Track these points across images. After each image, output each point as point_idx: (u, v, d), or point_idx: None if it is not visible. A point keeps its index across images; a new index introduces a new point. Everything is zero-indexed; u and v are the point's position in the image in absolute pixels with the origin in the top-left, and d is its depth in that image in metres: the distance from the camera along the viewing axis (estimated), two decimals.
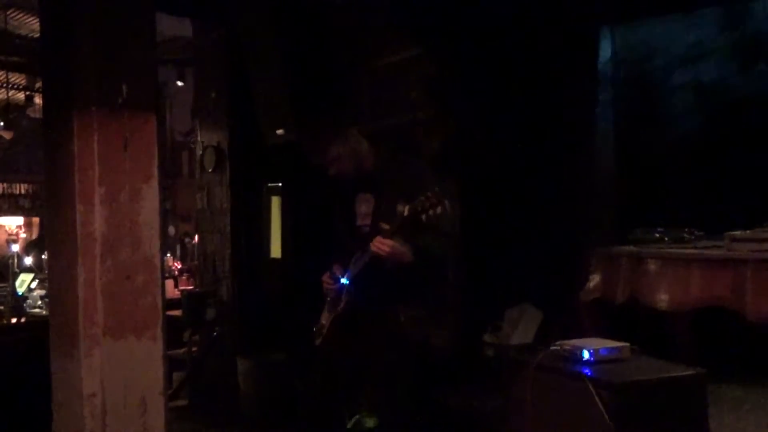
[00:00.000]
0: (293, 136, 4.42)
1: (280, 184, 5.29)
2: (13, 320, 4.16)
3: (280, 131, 4.69)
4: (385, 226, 2.74)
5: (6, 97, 9.09)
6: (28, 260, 5.81)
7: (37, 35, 6.76)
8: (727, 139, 4.22)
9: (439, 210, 2.60)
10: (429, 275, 3.06)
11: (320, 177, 3.09)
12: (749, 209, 3.61)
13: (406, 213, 2.66)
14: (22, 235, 11.47)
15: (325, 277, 3.09)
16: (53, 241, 2.77)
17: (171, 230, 10.20)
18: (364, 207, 3.03)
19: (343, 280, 2.99)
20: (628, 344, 2.53)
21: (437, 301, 3.45)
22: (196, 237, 6.27)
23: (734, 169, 4.15)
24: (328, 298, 3.13)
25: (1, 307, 4.16)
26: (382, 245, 2.73)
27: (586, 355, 2.45)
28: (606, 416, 2.23)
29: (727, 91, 4.37)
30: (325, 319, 3.10)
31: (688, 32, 4.53)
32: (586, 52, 4.53)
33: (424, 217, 2.62)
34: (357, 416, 3.75)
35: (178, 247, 9.35)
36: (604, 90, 4.65)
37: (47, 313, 4.15)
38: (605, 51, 4.72)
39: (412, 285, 2.92)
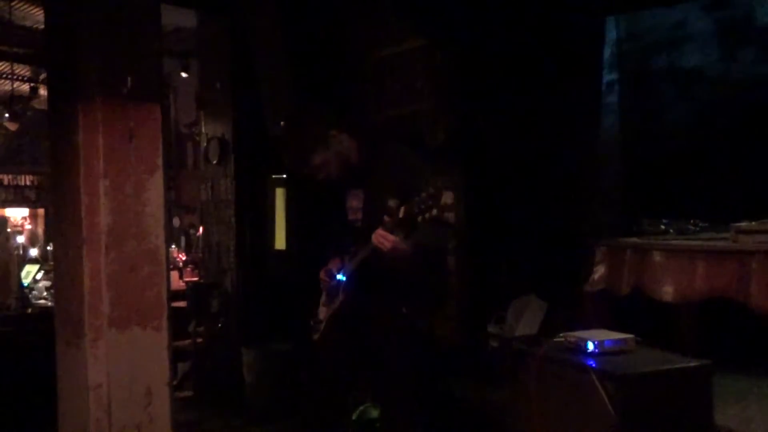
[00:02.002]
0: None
1: (285, 176, 5.29)
2: (19, 311, 4.18)
3: (284, 122, 4.68)
4: (387, 219, 2.67)
5: (11, 88, 9.09)
6: (34, 251, 5.85)
7: (42, 26, 6.76)
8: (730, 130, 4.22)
9: (435, 212, 2.55)
10: (430, 267, 3.04)
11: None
12: (755, 200, 3.60)
13: (401, 214, 2.61)
14: (27, 227, 11.51)
15: (322, 274, 3.07)
16: (59, 233, 2.77)
17: (175, 221, 10.21)
18: (355, 202, 2.99)
19: (339, 277, 2.94)
20: (632, 336, 2.54)
21: (439, 293, 3.44)
22: (201, 228, 6.28)
23: (739, 159, 4.14)
24: (325, 294, 3.10)
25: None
26: (385, 240, 2.66)
27: (590, 346, 2.45)
28: (610, 408, 2.24)
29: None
30: (322, 314, 3.07)
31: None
32: (592, 43, 4.51)
33: (420, 219, 2.57)
34: (361, 407, 3.76)
35: (182, 239, 9.38)
36: (609, 80, 4.64)
37: (53, 304, 4.18)
38: (610, 41, 4.70)
39: (412, 278, 2.89)
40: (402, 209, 2.60)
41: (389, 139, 3.45)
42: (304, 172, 2.96)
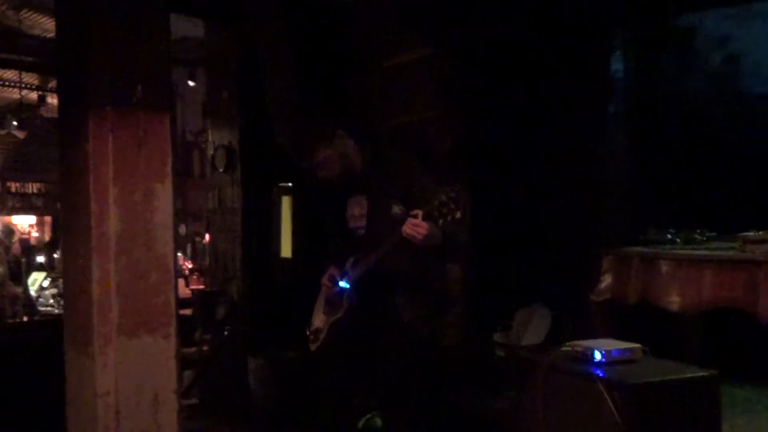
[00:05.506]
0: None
1: (291, 184, 5.30)
2: (26, 318, 4.20)
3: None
4: (417, 211, 2.64)
5: (19, 96, 9.15)
6: (40, 258, 5.87)
7: (50, 35, 6.80)
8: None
9: (458, 215, 2.56)
10: (439, 269, 3.04)
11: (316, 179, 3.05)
12: (763, 209, 3.60)
13: (420, 217, 2.62)
14: (35, 234, 11.54)
15: (325, 280, 3.05)
16: (68, 240, 2.79)
17: (182, 229, 10.24)
18: (357, 209, 2.97)
19: (343, 284, 2.91)
20: (639, 345, 2.53)
21: (444, 299, 3.44)
22: (207, 236, 6.30)
23: (747, 168, 4.13)
24: (324, 301, 3.08)
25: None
26: (419, 227, 2.62)
27: (597, 356, 2.45)
28: (617, 417, 2.23)
29: None
30: (321, 322, 3.03)
31: None
32: (599, 52, 4.52)
33: (441, 222, 2.58)
34: (367, 416, 3.76)
35: (188, 246, 9.40)
36: (616, 88, 4.63)
37: (59, 311, 4.20)
38: (617, 47, 4.70)
39: (418, 282, 2.89)
40: (419, 214, 2.60)
41: (390, 146, 3.45)
42: (305, 166, 2.96)
